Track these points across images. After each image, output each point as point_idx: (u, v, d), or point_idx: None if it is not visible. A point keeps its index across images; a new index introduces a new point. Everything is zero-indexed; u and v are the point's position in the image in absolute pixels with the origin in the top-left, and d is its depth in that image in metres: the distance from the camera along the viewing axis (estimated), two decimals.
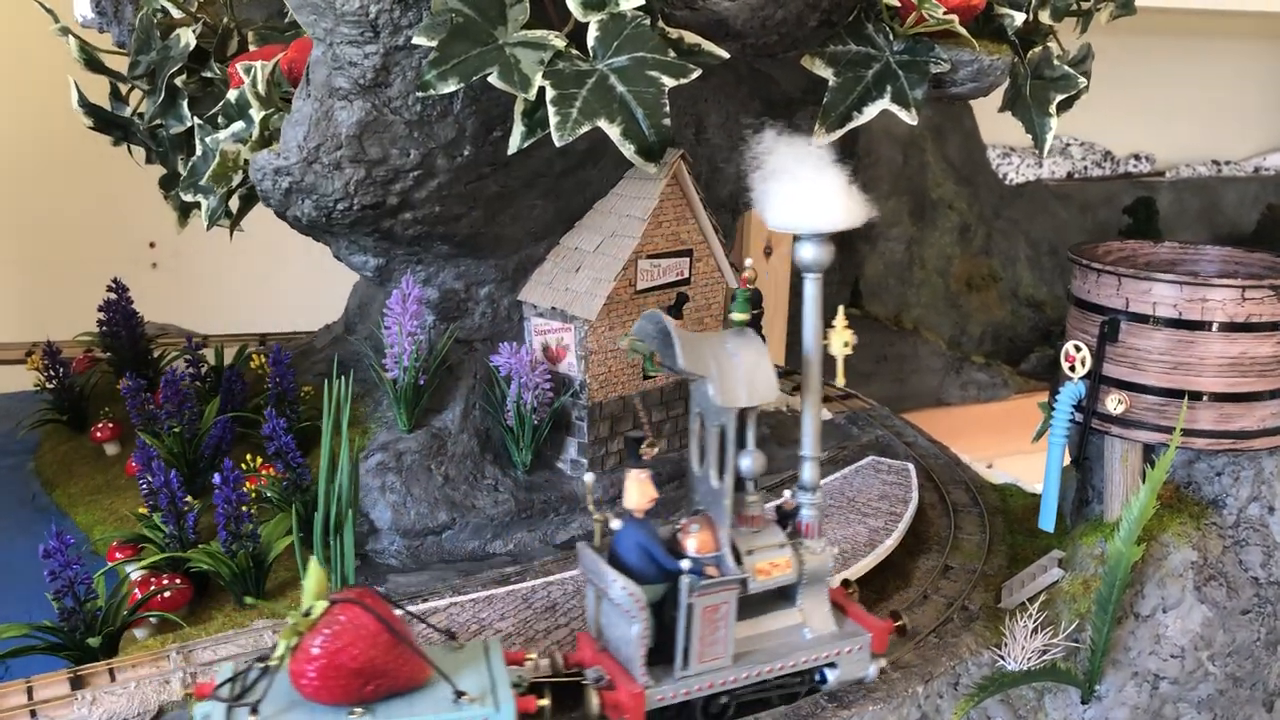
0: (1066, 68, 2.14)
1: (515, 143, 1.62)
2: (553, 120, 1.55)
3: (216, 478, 1.74)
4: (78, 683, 1.51)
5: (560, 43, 1.59)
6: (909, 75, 1.93)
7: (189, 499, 1.90)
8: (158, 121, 2.24)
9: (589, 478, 1.50)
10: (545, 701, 1.33)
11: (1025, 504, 2.20)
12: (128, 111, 2.34)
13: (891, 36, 1.95)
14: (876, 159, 4.64)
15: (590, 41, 1.60)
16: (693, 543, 1.44)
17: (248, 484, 1.95)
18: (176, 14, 2.27)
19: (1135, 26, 5.04)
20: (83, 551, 2.07)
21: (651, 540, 1.43)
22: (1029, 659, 1.66)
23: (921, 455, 2.40)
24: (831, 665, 1.52)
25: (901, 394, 4.17)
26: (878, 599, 1.83)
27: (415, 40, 1.55)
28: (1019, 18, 2.01)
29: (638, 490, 1.43)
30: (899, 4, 1.89)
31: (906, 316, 4.52)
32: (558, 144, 1.54)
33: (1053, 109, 2.15)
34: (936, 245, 4.70)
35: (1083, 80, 2.15)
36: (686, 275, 2.12)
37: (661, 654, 1.41)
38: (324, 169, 1.70)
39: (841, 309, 1.68)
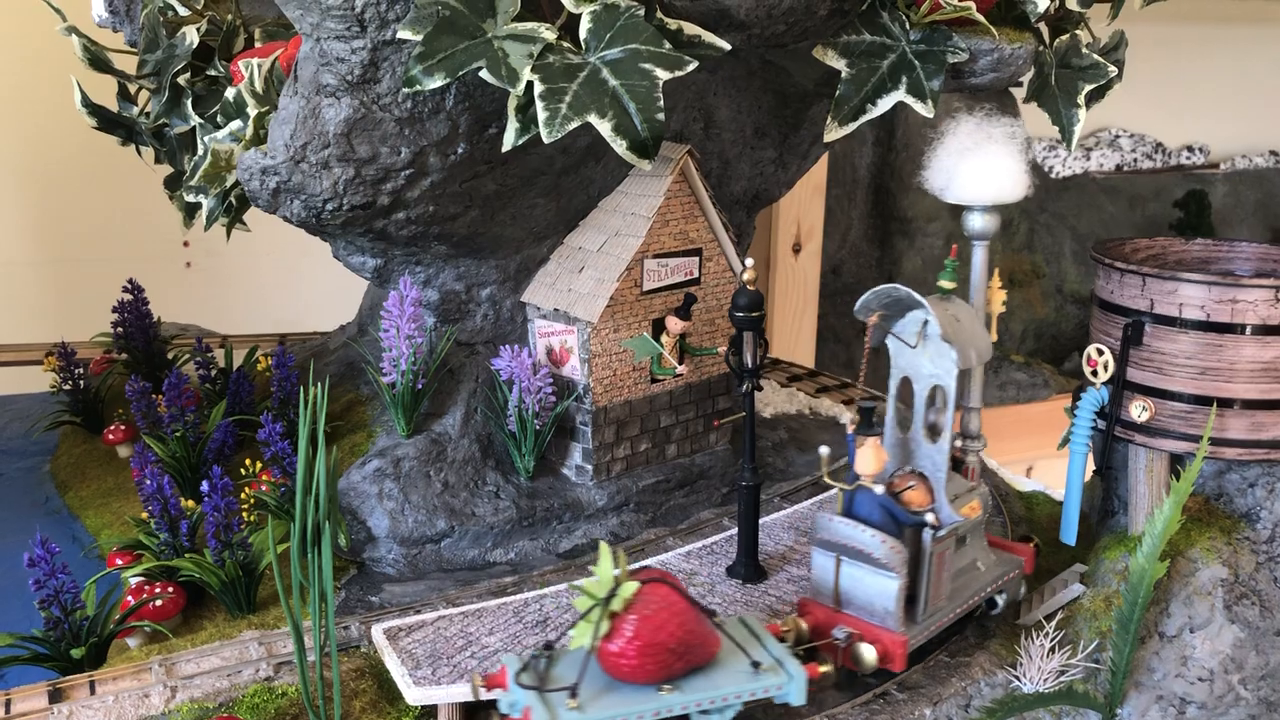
0: (1096, 56, 2.04)
1: (510, 140, 1.56)
2: (540, 116, 1.49)
3: (204, 485, 1.71)
4: (56, 695, 1.48)
5: (551, 35, 1.53)
6: (925, 66, 1.85)
7: (188, 503, 1.87)
8: (163, 121, 2.21)
9: (824, 450, 1.58)
10: (828, 668, 1.44)
11: (1052, 513, 2.11)
12: (135, 111, 2.32)
13: (908, 25, 1.87)
14: (915, 152, 4.53)
15: (582, 33, 1.54)
16: (913, 498, 1.56)
17: (246, 490, 1.92)
18: (183, 12, 2.25)
19: (1189, 13, 4.90)
20: (91, 555, 2.07)
21: (890, 500, 1.53)
22: (1045, 680, 1.57)
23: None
24: (1000, 592, 1.68)
25: None
26: None
27: (400, 34, 1.50)
28: (1042, 4, 1.91)
29: (874, 456, 1.52)
30: None
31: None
32: (546, 140, 1.48)
33: (1081, 99, 2.05)
34: None
35: (1113, 70, 2.04)
36: (696, 275, 2.05)
37: None
38: (311, 168, 1.65)
39: (996, 271, 1.81)
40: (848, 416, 2.55)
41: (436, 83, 1.50)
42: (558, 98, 1.50)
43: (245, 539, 1.73)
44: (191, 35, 2.18)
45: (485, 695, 1.35)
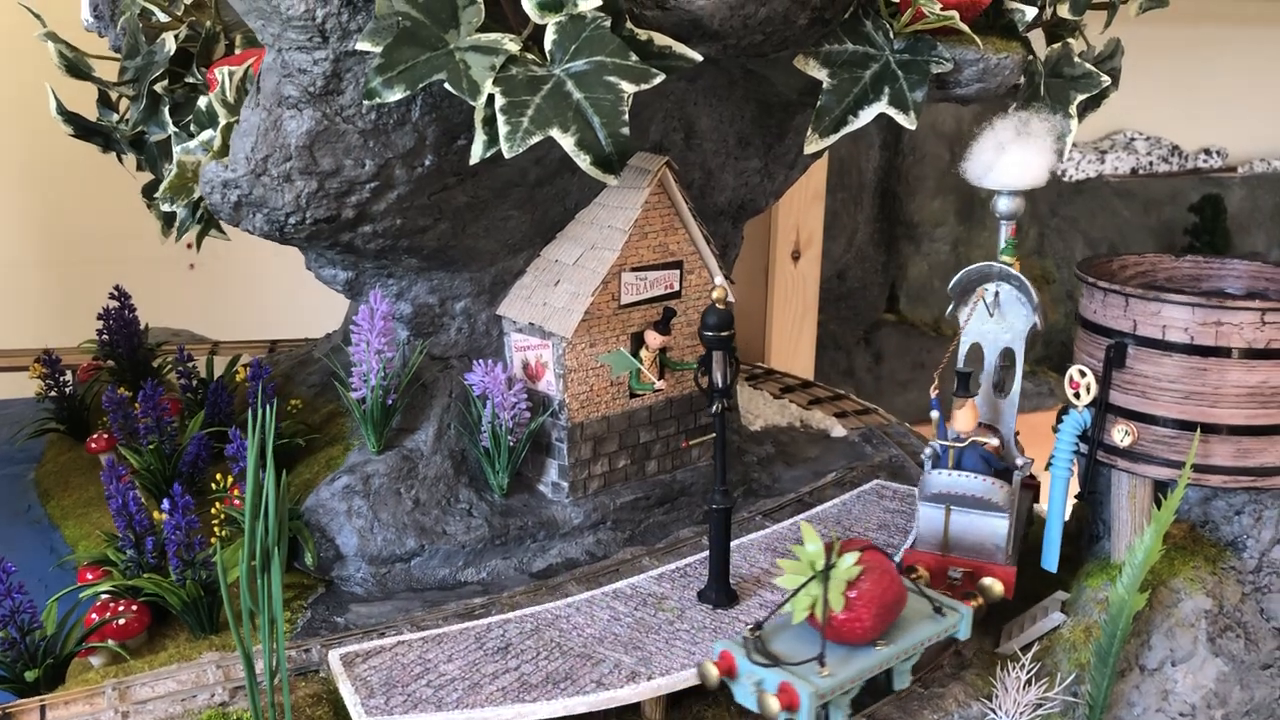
0: (1088, 65, 1.98)
1: (477, 152, 1.52)
2: (501, 130, 1.45)
3: (165, 504, 1.68)
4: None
5: (514, 46, 1.49)
6: (909, 76, 1.80)
7: (160, 517, 1.85)
8: (141, 129, 2.18)
9: (935, 413, 1.82)
10: (978, 602, 1.60)
11: (1041, 533, 2.05)
12: (115, 118, 2.30)
13: (891, 34, 1.82)
14: (922, 155, 4.47)
15: (547, 45, 1.50)
16: (993, 448, 1.78)
17: (218, 505, 1.89)
18: (164, 18, 2.22)
19: (1207, 13, 4.81)
20: (66, 567, 2.04)
21: (988, 452, 1.76)
22: (1022, 713, 1.52)
23: None
24: None
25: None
26: None
27: (359, 46, 1.47)
28: (1030, 12, 1.86)
29: (971, 415, 1.75)
30: (897, 1, 1.76)
31: (949, 321, 4.35)
32: (507, 155, 1.44)
33: (1073, 109, 1.99)
34: (985, 246, 4.51)
35: (1106, 79, 1.99)
36: (677, 288, 2.01)
37: None
38: (273, 181, 1.62)
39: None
40: (840, 430, 2.52)
41: (396, 95, 1.46)
42: (519, 111, 1.46)
43: (208, 558, 1.70)
44: (170, 42, 2.15)
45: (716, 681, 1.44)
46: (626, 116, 1.48)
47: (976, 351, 1.93)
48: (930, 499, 1.73)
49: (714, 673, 1.43)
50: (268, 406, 1.39)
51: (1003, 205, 1.87)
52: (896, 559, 1.74)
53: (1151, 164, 5.65)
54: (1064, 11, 1.97)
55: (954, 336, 4.25)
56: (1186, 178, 5.62)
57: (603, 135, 1.48)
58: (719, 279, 1.61)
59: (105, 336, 2.61)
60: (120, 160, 2.32)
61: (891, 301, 4.21)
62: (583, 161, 1.48)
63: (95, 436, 2.41)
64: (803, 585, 1.41)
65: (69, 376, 2.65)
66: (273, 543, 1.37)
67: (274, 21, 1.54)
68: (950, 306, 1.96)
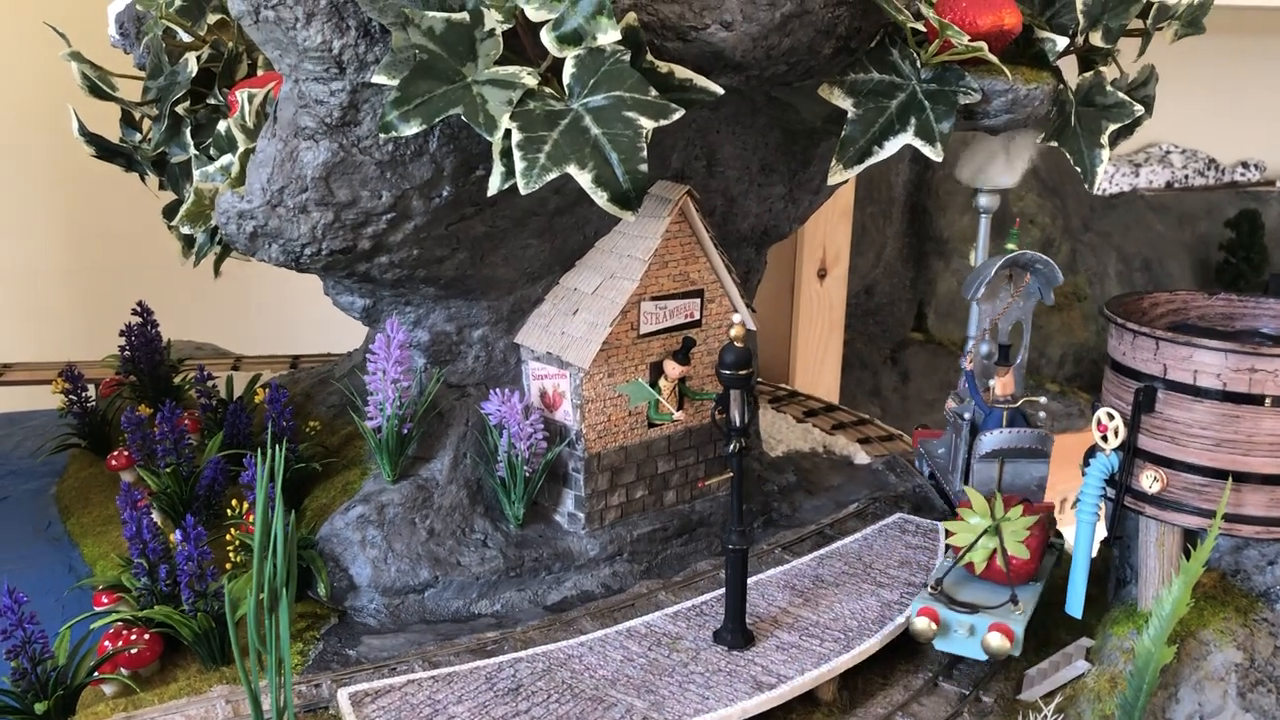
0: (1121, 94, 1.93)
1: (495, 184, 1.50)
2: (518, 166, 1.43)
3: (178, 534, 1.67)
4: None
5: (532, 80, 1.47)
6: (936, 107, 1.76)
7: (172, 539, 1.84)
8: (163, 149, 2.18)
9: (965, 383, 2.10)
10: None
11: (1068, 572, 2.00)
12: (137, 138, 2.30)
13: (918, 63, 1.78)
14: (952, 170, 4.41)
15: (566, 78, 1.48)
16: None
17: (233, 531, 1.89)
18: (187, 37, 2.22)
19: (1245, 24, 4.72)
20: (83, 588, 2.04)
21: (1022, 410, 2.01)
22: None
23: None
24: None
25: None
26: (881, 684, 1.68)
27: (375, 79, 1.45)
28: (1061, 42, 1.81)
29: (1011, 380, 2.02)
30: (924, 29, 1.73)
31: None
32: (523, 191, 1.42)
33: (1105, 139, 1.95)
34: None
35: (1139, 109, 1.94)
36: (697, 317, 1.98)
37: None
38: (289, 212, 1.60)
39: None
40: (863, 457, 2.48)
41: (413, 129, 1.44)
42: (536, 147, 1.44)
43: (220, 589, 1.69)
44: (192, 63, 2.15)
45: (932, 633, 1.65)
46: (645, 153, 1.46)
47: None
48: (986, 457, 1.97)
49: (928, 624, 1.64)
50: (277, 446, 1.37)
51: (985, 201, 2.25)
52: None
53: (1187, 177, 5.57)
54: (1096, 39, 1.92)
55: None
56: (1223, 192, 5.54)
57: (620, 172, 1.45)
58: (737, 316, 1.57)
59: (127, 353, 2.61)
60: (143, 180, 2.32)
61: (919, 320, 4.16)
62: (599, 198, 1.45)
63: (115, 454, 2.41)
64: (978, 539, 1.71)
65: (91, 392, 2.65)
66: (281, 583, 1.36)
67: (291, 52, 1.53)
68: (974, 288, 2.16)
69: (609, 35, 1.45)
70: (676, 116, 1.47)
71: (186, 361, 2.94)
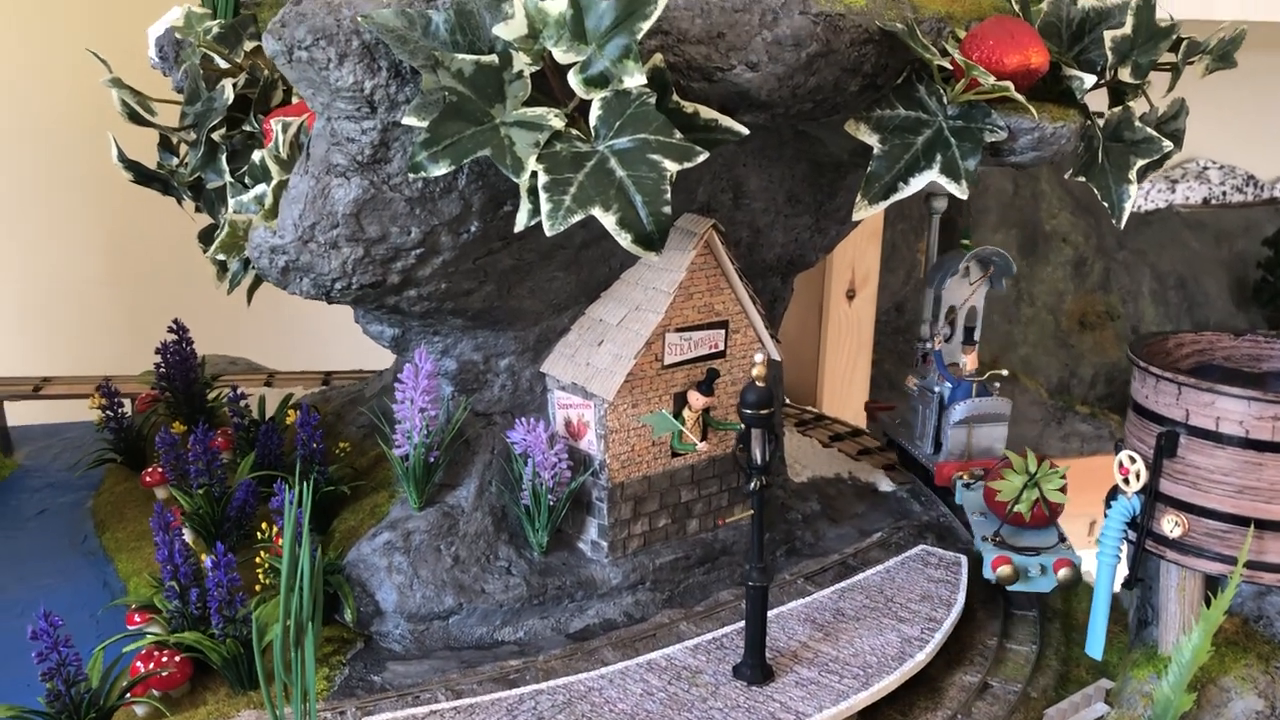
0: (1150, 130, 1.93)
1: (522, 221, 1.52)
2: (544, 208, 1.45)
3: (208, 561, 1.70)
4: None
5: (559, 123, 1.49)
6: (962, 144, 1.77)
7: (203, 561, 1.88)
8: (198, 174, 2.22)
9: (935, 361, 2.39)
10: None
11: (1090, 607, 2.00)
12: (174, 162, 2.34)
13: (945, 100, 1.79)
14: (985, 188, 4.40)
15: (592, 120, 1.50)
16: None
17: (263, 554, 1.92)
18: (223, 64, 2.26)
19: None
20: (117, 605, 2.08)
21: (982, 382, 2.33)
22: None
23: None
24: None
25: None
26: None
27: (405, 120, 1.47)
28: (1089, 80, 1.81)
29: (975, 358, 2.36)
30: (951, 67, 1.73)
31: (1012, 356, 4.27)
32: (548, 233, 1.44)
33: (1133, 175, 1.94)
34: (1048, 281, 4.43)
35: (1168, 145, 1.93)
36: (721, 348, 2.00)
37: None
38: (320, 248, 1.63)
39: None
40: (888, 484, 2.48)
41: (441, 170, 1.47)
42: (562, 189, 1.46)
43: (249, 614, 1.72)
44: (229, 89, 2.19)
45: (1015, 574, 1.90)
46: (669, 195, 1.47)
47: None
48: (959, 423, 2.26)
49: (1009, 570, 1.89)
50: (305, 481, 1.40)
51: (937, 203, 2.58)
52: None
53: (1225, 194, 5.50)
54: (1126, 75, 1.92)
55: (1013, 376, 4.39)
56: (1262, 208, 5.47)
57: (644, 214, 1.47)
58: (759, 355, 1.59)
59: (163, 369, 2.66)
60: (180, 204, 2.36)
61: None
62: (624, 240, 1.47)
63: (150, 470, 2.46)
64: (1021, 491, 1.99)
65: (127, 407, 2.70)
66: (307, 617, 1.38)
67: (323, 91, 1.55)
68: (939, 280, 2.49)
69: (635, 79, 1.47)
70: (700, 159, 1.49)
71: (221, 377, 2.99)
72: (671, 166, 1.48)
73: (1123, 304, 4.71)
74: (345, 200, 1.61)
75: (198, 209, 2.39)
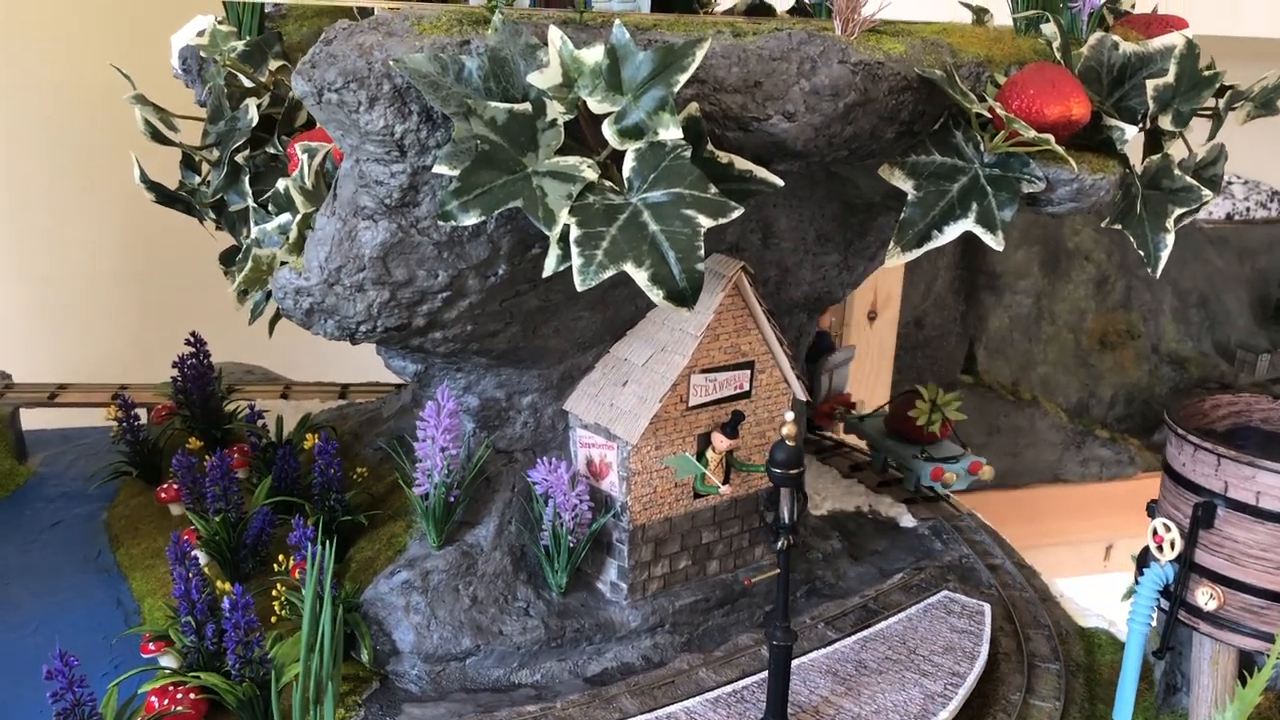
0: (1189, 179, 1.89)
1: (550, 266, 1.49)
2: (575, 263, 1.42)
3: (226, 603, 1.69)
4: None
5: (592, 174, 1.46)
6: (998, 194, 1.73)
7: (223, 586, 1.87)
8: (221, 195, 2.20)
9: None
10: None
11: (1115, 660, 1.98)
12: (196, 181, 2.32)
13: (982, 147, 1.75)
14: None
15: (626, 171, 1.47)
16: None
17: (279, 587, 1.91)
18: (247, 82, 2.23)
19: None
20: (132, 628, 2.07)
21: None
22: None
23: (1005, 585, 2.19)
24: None
25: (1016, 468, 3.91)
26: None
27: (437, 169, 1.45)
28: (1130, 131, 1.77)
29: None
30: (989, 115, 1.70)
31: (1031, 375, 4.24)
32: (580, 289, 1.41)
33: (1170, 224, 1.91)
34: (1069, 299, 4.39)
35: (1208, 194, 1.90)
36: (747, 388, 1.97)
37: None
38: (346, 291, 1.61)
39: None
40: (909, 519, 2.46)
41: (472, 219, 1.44)
42: (594, 243, 1.43)
43: (265, 655, 1.71)
44: (252, 110, 2.16)
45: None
46: (702, 251, 1.44)
47: None
48: (825, 373, 2.74)
49: (949, 475, 2.43)
50: (326, 546, 1.38)
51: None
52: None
53: (1249, 210, 5.44)
54: (1166, 123, 1.88)
55: (1033, 400, 4.40)
56: None
57: (677, 270, 1.44)
58: (789, 414, 1.56)
59: (179, 383, 2.64)
60: (202, 223, 2.34)
61: (969, 362, 4.11)
62: (655, 296, 1.44)
63: (165, 486, 2.45)
64: (930, 414, 2.46)
65: (143, 418, 2.69)
66: (326, 676, 1.37)
67: (352, 133, 1.53)
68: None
69: (671, 132, 1.44)
70: (736, 215, 1.46)
71: (237, 388, 2.97)
72: (706, 222, 1.45)
73: (1143, 322, 4.67)
74: (372, 243, 1.59)
75: (218, 227, 2.36)
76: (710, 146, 1.55)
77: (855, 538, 2.36)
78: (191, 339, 2.67)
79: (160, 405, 2.80)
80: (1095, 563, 3.91)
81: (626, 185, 1.47)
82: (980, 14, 2.21)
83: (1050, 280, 4.33)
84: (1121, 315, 4.55)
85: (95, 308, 3.78)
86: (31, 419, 2.99)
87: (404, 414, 2.51)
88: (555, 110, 1.46)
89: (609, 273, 1.42)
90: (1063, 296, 4.38)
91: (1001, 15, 2.05)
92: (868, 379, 3.39)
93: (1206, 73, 1.85)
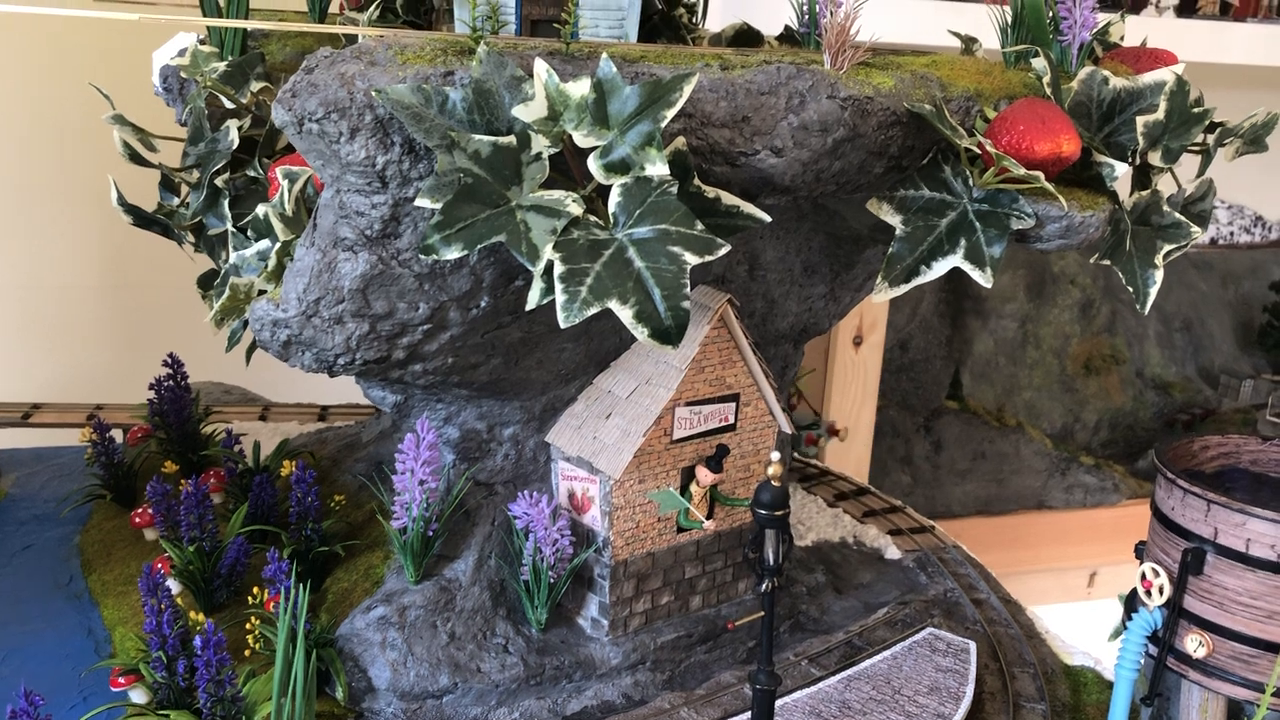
0: (1178, 215, 1.88)
1: (534, 299, 1.46)
2: (559, 299, 1.40)
3: (198, 640, 1.65)
4: None
5: (577, 209, 1.43)
6: (987, 230, 1.72)
7: (196, 617, 1.83)
8: (199, 218, 2.16)
9: None
10: None
11: (1101, 700, 1.96)
12: (175, 202, 2.28)
13: (971, 182, 1.74)
14: None
15: (611, 206, 1.44)
16: None
17: (253, 620, 1.87)
18: (229, 104, 2.20)
19: None
20: (103, 660, 2.02)
21: None
22: None
23: (990, 620, 2.17)
24: None
25: (1000, 494, 3.90)
26: None
27: (419, 202, 1.42)
28: (1120, 168, 1.76)
29: None
30: (979, 150, 1.68)
31: (1016, 399, 4.23)
32: (563, 325, 1.39)
33: (1159, 260, 1.90)
34: (1054, 323, 4.39)
35: (1197, 231, 1.89)
36: (732, 420, 1.94)
37: None
38: (324, 323, 1.58)
39: None
40: (894, 551, 2.43)
41: (454, 253, 1.41)
42: (578, 280, 1.40)
43: (238, 693, 1.67)
44: (233, 132, 2.13)
45: None
46: (688, 289, 1.42)
47: None
48: None
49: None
50: (300, 589, 1.34)
51: None
52: None
53: (1232, 234, 5.46)
54: (1155, 160, 1.87)
55: (1018, 426, 4.34)
56: (1269, 250, 5.43)
57: (663, 308, 1.42)
58: (775, 454, 1.53)
59: (156, 405, 2.60)
60: (180, 246, 2.30)
61: (954, 387, 4.10)
62: (640, 334, 1.42)
63: (139, 511, 2.40)
64: None
65: (118, 440, 2.64)
66: (299, 717, 1.33)
67: (333, 164, 1.50)
68: None
69: (658, 167, 1.42)
70: (722, 253, 1.44)
71: (215, 409, 2.93)
72: (692, 259, 1.43)
73: (1128, 347, 4.68)
74: (352, 275, 1.56)
75: (197, 249, 2.33)
76: (697, 181, 1.53)
77: (840, 570, 2.33)
78: (169, 360, 2.63)
79: (136, 426, 2.75)
80: (1079, 590, 3.90)
81: (612, 220, 1.44)
82: (969, 42, 2.20)
83: (1035, 304, 4.33)
84: (1106, 340, 4.56)
85: (71, 323, 3.73)
86: (4, 438, 2.95)
87: (383, 439, 2.47)
88: (540, 144, 1.44)
89: (593, 310, 1.39)
90: (1048, 321, 4.37)
91: (989, 40, 2.04)
92: (854, 405, 3.37)
93: (1196, 110, 1.84)
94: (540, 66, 1.42)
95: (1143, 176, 1.95)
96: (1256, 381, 4.99)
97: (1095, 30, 1.93)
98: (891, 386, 4.12)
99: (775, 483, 1.52)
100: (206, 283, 2.24)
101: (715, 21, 2.38)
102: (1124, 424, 4.46)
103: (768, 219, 1.52)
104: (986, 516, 3.86)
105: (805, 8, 2.05)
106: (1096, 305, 4.54)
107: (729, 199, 1.52)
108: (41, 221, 3.62)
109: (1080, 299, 4.47)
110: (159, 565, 2.09)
